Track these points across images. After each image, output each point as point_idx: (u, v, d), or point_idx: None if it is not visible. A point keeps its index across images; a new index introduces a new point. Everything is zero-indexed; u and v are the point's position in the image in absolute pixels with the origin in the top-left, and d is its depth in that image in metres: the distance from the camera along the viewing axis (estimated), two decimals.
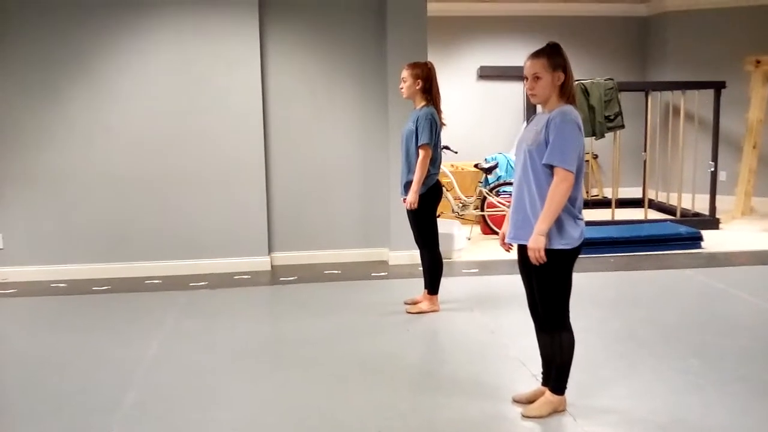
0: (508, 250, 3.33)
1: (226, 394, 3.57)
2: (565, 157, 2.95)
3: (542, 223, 2.97)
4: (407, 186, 4.71)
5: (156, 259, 6.20)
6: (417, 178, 4.59)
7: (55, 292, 5.71)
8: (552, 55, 3.04)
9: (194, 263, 6.24)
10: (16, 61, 5.88)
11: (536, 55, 3.07)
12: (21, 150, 5.96)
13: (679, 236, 6.95)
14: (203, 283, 5.89)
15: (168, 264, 6.20)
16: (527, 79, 3.09)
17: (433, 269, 4.87)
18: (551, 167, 2.98)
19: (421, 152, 4.59)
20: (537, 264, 3.02)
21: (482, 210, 7.76)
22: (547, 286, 3.10)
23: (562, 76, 3.03)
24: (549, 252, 2.99)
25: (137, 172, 6.10)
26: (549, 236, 2.99)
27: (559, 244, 3.01)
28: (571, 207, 3.03)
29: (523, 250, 3.15)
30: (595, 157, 10.08)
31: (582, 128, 3.04)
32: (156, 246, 6.19)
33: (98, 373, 3.89)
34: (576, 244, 3.05)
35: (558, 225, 3.00)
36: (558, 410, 3.23)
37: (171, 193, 6.17)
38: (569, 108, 3.04)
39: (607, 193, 9.86)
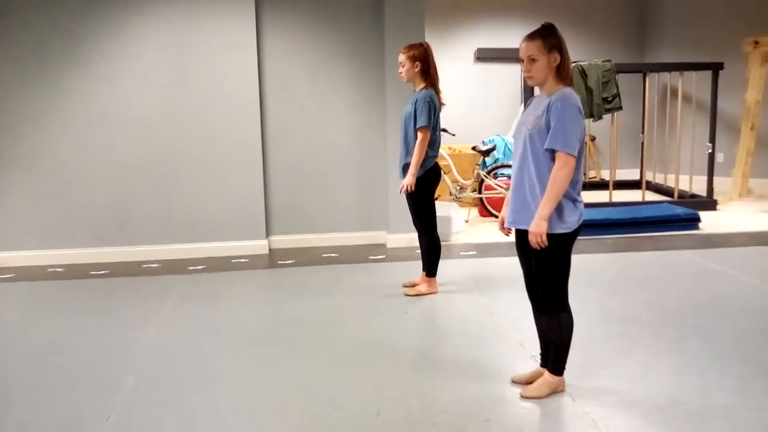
0: (507, 234, 3.32)
1: (225, 378, 3.58)
2: (567, 142, 2.93)
3: (544, 208, 2.96)
4: (405, 168, 4.69)
5: (154, 243, 6.20)
6: (415, 160, 4.58)
7: (53, 277, 5.71)
8: (547, 37, 3.00)
9: (192, 247, 6.24)
10: (11, 46, 5.84)
11: (531, 37, 3.03)
12: (18, 134, 5.94)
13: (677, 218, 6.96)
14: (201, 267, 5.89)
15: (166, 248, 6.20)
16: (523, 61, 3.06)
17: (431, 252, 4.87)
18: (553, 151, 2.96)
19: (419, 135, 4.56)
20: (538, 248, 3.01)
21: (480, 192, 7.75)
22: (546, 268, 3.09)
23: (558, 58, 3.00)
24: (549, 236, 2.98)
25: (134, 157, 6.09)
26: (549, 221, 2.97)
27: (559, 229, 3.00)
28: (571, 190, 3.01)
29: (521, 233, 3.15)
30: (593, 139, 10.06)
31: (582, 111, 3.02)
32: (154, 230, 6.19)
33: (97, 358, 3.89)
34: (575, 226, 3.04)
35: (558, 209, 2.99)
36: (557, 391, 3.25)
37: (168, 178, 6.16)
38: (569, 91, 3.01)
39: (605, 174, 9.85)
